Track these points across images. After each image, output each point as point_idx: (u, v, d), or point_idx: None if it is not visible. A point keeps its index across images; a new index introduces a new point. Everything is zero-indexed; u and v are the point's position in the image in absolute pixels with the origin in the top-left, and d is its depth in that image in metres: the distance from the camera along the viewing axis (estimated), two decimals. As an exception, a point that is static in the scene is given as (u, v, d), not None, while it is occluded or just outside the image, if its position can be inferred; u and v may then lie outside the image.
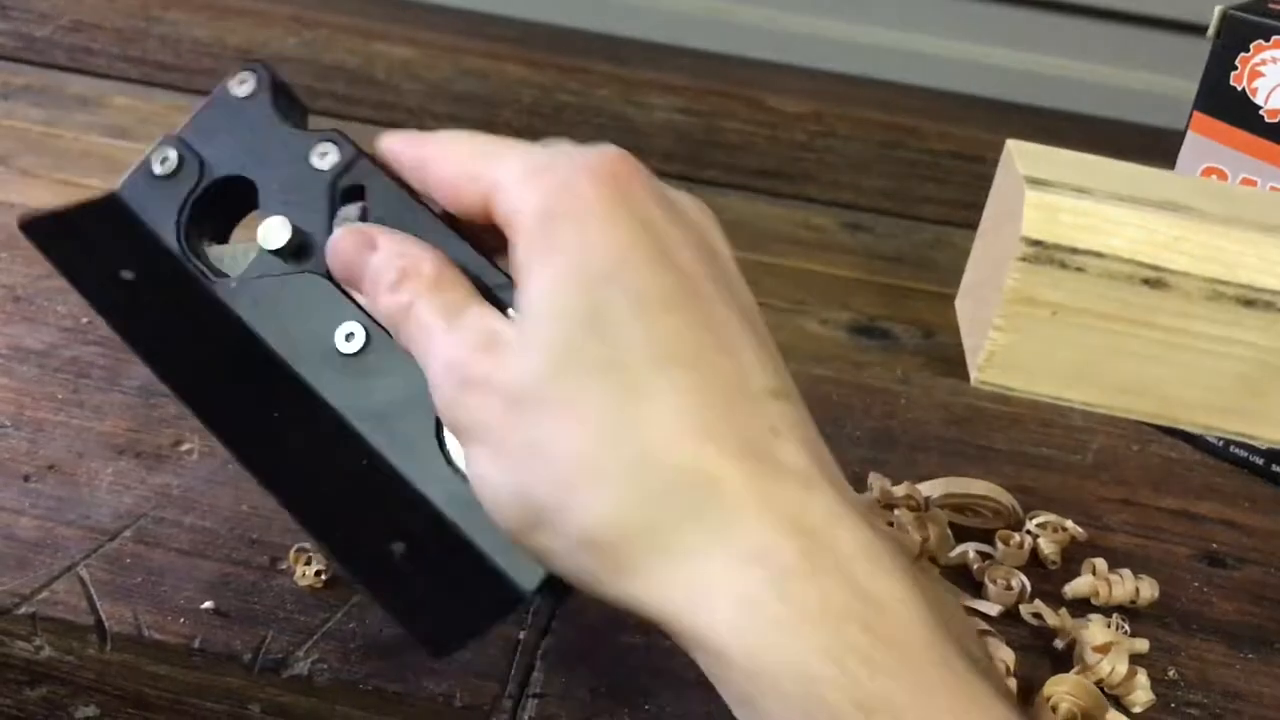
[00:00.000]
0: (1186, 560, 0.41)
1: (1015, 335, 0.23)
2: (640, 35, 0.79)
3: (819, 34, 0.78)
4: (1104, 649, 0.35)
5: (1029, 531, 0.40)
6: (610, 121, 0.70)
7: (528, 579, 0.26)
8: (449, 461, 0.27)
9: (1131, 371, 0.24)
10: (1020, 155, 0.24)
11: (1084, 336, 0.23)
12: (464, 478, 0.26)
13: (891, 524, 0.39)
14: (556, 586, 0.25)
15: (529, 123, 0.69)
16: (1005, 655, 0.34)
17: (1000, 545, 0.39)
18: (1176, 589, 0.39)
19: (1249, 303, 0.23)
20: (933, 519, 0.39)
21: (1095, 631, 0.35)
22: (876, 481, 0.40)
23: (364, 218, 0.29)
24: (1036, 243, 0.23)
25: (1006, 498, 0.41)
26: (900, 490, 0.40)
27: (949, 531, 0.39)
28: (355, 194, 0.30)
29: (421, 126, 0.66)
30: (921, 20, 0.78)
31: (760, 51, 0.79)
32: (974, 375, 0.24)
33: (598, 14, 0.79)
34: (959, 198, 0.68)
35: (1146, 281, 0.23)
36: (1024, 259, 0.23)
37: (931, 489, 0.41)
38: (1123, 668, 0.34)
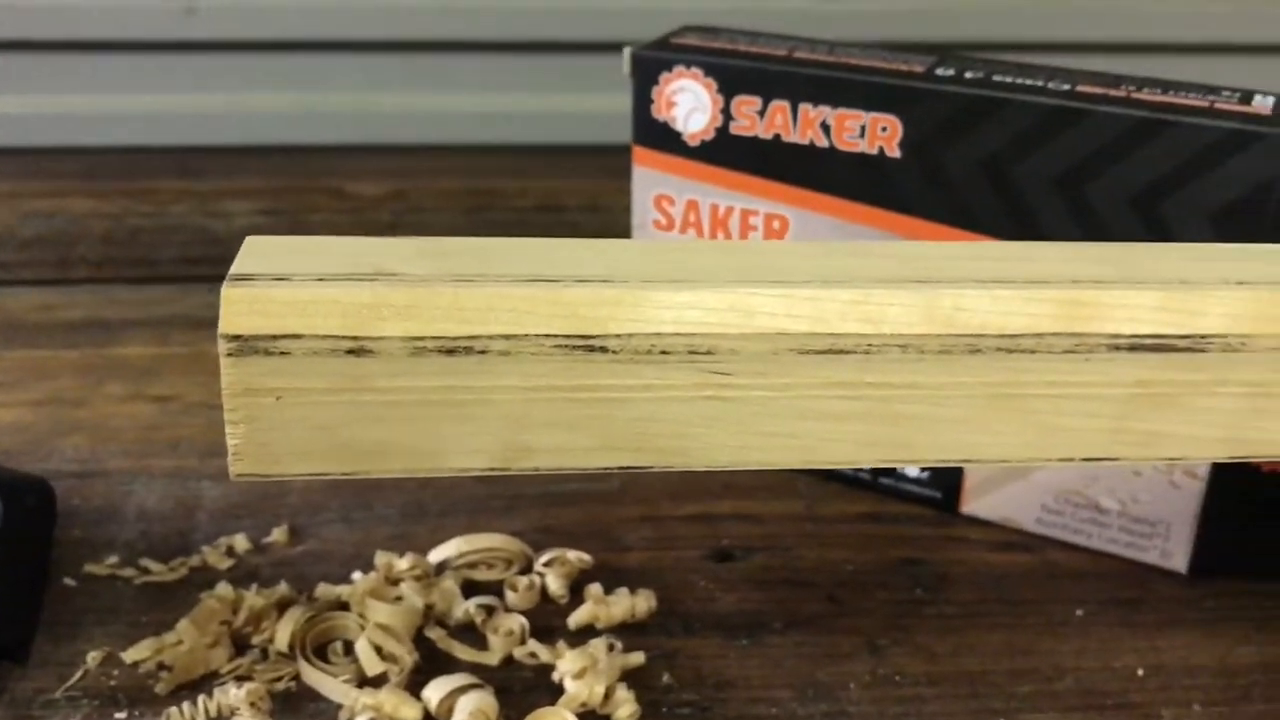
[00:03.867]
0: (695, 562, 0.43)
1: (250, 426, 0.24)
2: (209, 141, 0.79)
3: (391, 110, 0.80)
4: (580, 674, 0.36)
5: (538, 572, 0.41)
6: (191, 238, 0.70)
7: None
8: None
9: (377, 435, 0.25)
10: (244, 252, 0.25)
11: (317, 413, 0.24)
12: None
13: (400, 598, 0.39)
14: None
15: (106, 253, 0.68)
16: (487, 706, 0.35)
17: (509, 592, 0.40)
18: (683, 593, 0.41)
19: (450, 352, 0.24)
20: (439, 584, 0.40)
21: (569, 660, 0.36)
22: (382, 559, 0.41)
23: None
24: (236, 337, 0.24)
25: (514, 544, 0.42)
26: (405, 563, 0.41)
27: (458, 591, 0.40)
28: None
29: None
30: (479, 80, 0.80)
31: (336, 136, 0.80)
32: (230, 471, 0.25)
33: (163, 128, 0.78)
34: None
35: (350, 352, 0.24)
36: (229, 354, 0.24)
37: (443, 552, 0.42)
38: (600, 688, 0.36)
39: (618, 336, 0.25)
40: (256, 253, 0.25)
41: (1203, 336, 0.26)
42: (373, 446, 0.25)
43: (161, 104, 0.79)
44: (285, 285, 0.24)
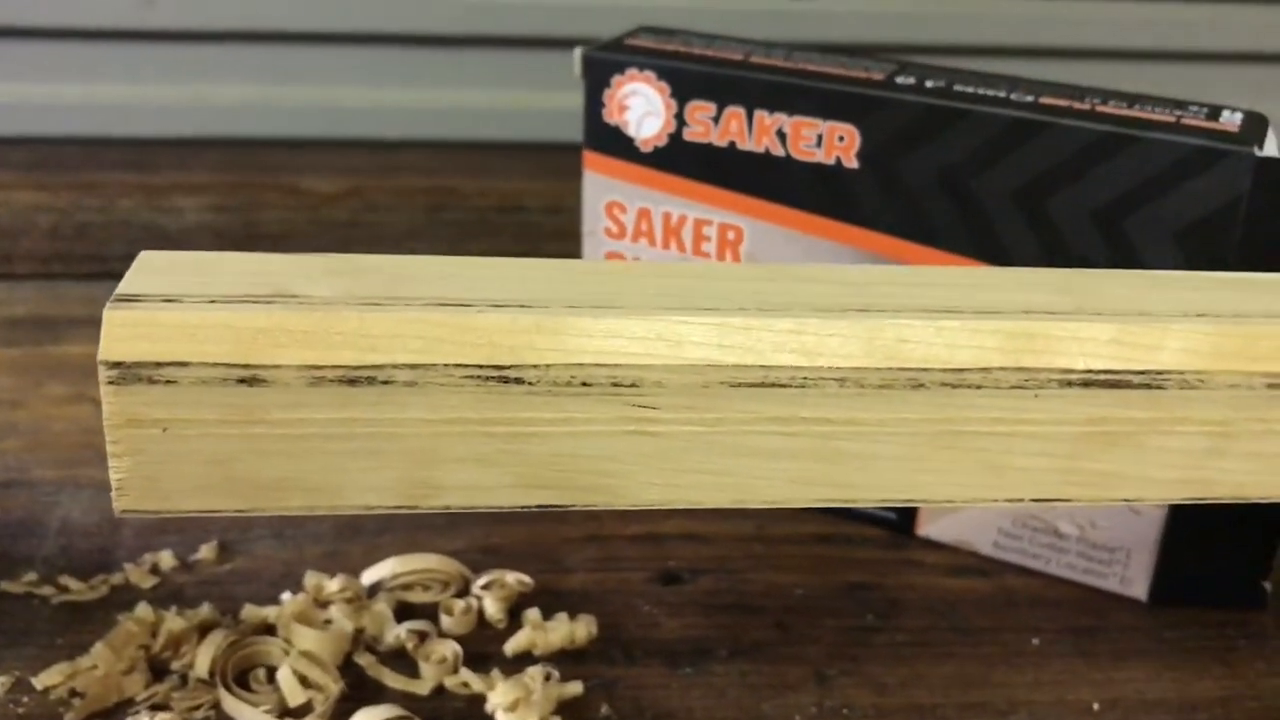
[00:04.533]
0: (641, 585, 0.41)
1: (135, 459, 0.23)
2: (160, 133, 0.77)
3: (350, 104, 0.78)
4: (513, 706, 0.35)
5: (475, 595, 0.40)
6: (140, 234, 0.67)
7: None
8: None
9: (272, 470, 0.23)
10: (135, 269, 0.24)
11: (207, 446, 0.23)
12: None
13: (329, 621, 0.38)
14: None
15: (54, 248, 0.66)
16: (414, 737, 0.34)
17: (444, 616, 0.39)
18: (626, 617, 0.40)
19: (352, 382, 0.23)
20: (369, 606, 0.38)
21: (501, 691, 0.35)
22: (311, 580, 0.39)
23: None
24: (117, 364, 0.22)
25: (451, 565, 0.40)
26: (335, 584, 0.39)
27: (390, 615, 0.38)
28: None
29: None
30: (440, 75, 0.78)
31: (292, 130, 0.78)
32: (115, 506, 0.23)
33: (115, 119, 0.76)
34: (511, 249, 0.69)
35: (243, 381, 0.22)
36: (111, 382, 0.22)
37: (377, 573, 0.40)
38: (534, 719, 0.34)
39: (535, 367, 0.23)
40: (149, 269, 0.24)
41: (1159, 373, 0.25)
42: (268, 482, 0.23)
43: (114, 94, 0.77)
44: (174, 307, 0.22)
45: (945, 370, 0.24)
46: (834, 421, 0.24)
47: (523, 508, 0.24)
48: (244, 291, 0.23)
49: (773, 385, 0.24)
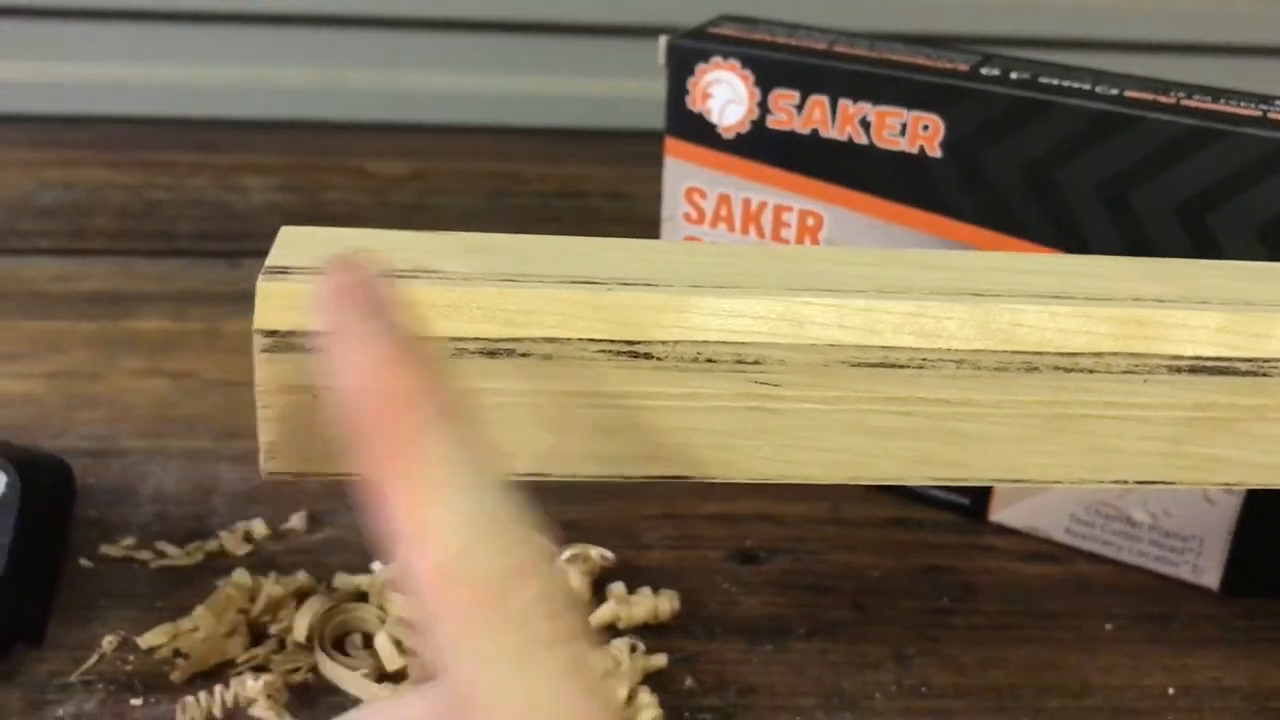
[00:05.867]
0: (719, 563, 0.42)
1: (284, 424, 0.23)
2: (229, 114, 0.78)
3: (414, 89, 0.79)
4: (602, 676, 0.35)
5: (559, 568, 0.41)
6: (209, 211, 0.69)
7: None
8: None
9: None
10: (280, 243, 0.25)
11: (347, 412, 0.24)
12: None
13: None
14: None
15: (124, 225, 0.67)
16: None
17: (530, 588, 0.39)
18: (705, 594, 0.41)
19: (491, 354, 0.24)
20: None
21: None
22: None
23: None
24: (271, 333, 0.23)
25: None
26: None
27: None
28: None
29: (7, 248, 0.64)
30: (504, 62, 0.79)
31: (357, 113, 0.79)
32: (262, 469, 0.24)
33: (181, 99, 0.77)
34: (573, 233, 0.70)
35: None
36: (265, 350, 0.23)
37: (463, 544, 0.41)
38: (623, 691, 0.35)
39: (663, 343, 0.24)
40: (292, 244, 0.24)
41: (1266, 360, 0.25)
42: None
43: (184, 76, 0.78)
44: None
45: (1059, 354, 0.25)
46: (950, 402, 0.25)
47: (643, 478, 0.25)
48: (388, 266, 0.24)
49: (891, 366, 0.25)
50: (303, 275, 0.23)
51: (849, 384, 0.25)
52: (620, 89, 0.78)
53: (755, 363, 0.24)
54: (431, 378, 0.21)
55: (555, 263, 0.25)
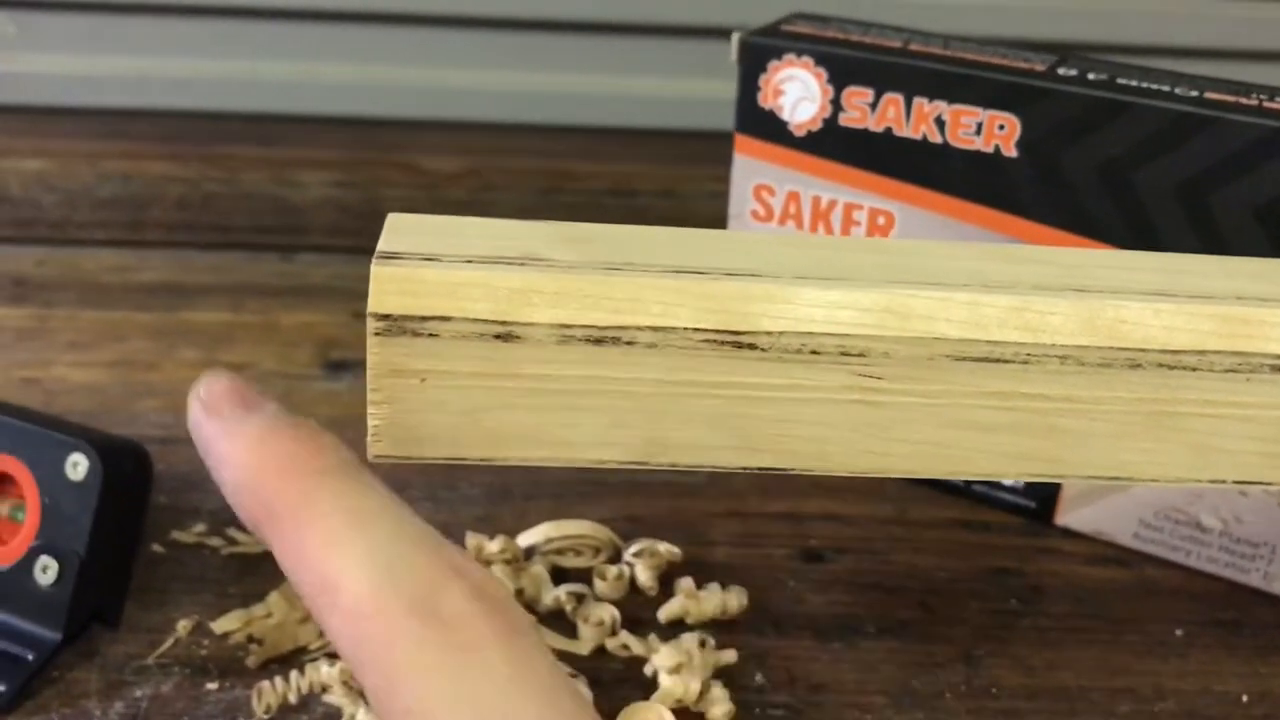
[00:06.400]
0: (784, 561, 0.42)
1: (393, 407, 0.24)
2: (285, 109, 0.79)
3: (467, 86, 0.79)
4: (676, 669, 0.36)
5: (627, 562, 0.41)
6: (265, 205, 0.69)
7: None
8: None
9: (519, 422, 0.24)
10: (388, 229, 0.25)
11: (460, 397, 0.24)
12: None
13: (488, 580, 0.39)
14: None
15: (180, 218, 0.67)
16: (584, 693, 0.35)
17: (598, 581, 0.40)
18: (772, 592, 0.41)
19: (598, 341, 0.24)
20: (528, 569, 0.40)
21: (665, 655, 0.36)
22: (472, 541, 0.40)
23: None
24: (385, 317, 0.23)
25: (603, 532, 0.41)
26: (495, 545, 0.40)
27: (547, 577, 0.40)
28: None
29: (66, 238, 0.64)
30: (556, 60, 0.79)
31: (410, 110, 0.79)
32: (369, 452, 0.24)
33: (239, 95, 0.78)
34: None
35: (498, 336, 0.23)
36: (377, 334, 0.23)
37: (532, 537, 0.41)
38: (696, 685, 0.35)
39: (768, 334, 0.24)
40: (400, 230, 0.25)
41: None
42: (514, 434, 0.24)
43: (240, 71, 0.79)
44: (435, 266, 0.23)
45: (1163, 351, 0.25)
46: (1052, 398, 0.25)
47: (743, 469, 0.25)
48: (495, 254, 0.24)
49: (996, 360, 0.25)
50: (414, 261, 0.23)
51: (952, 378, 0.25)
52: (673, 88, 0.78)
53: (860, 355, 0.24)
54: (313, 442, 0.23)
55: (659, 252, 0.25)
